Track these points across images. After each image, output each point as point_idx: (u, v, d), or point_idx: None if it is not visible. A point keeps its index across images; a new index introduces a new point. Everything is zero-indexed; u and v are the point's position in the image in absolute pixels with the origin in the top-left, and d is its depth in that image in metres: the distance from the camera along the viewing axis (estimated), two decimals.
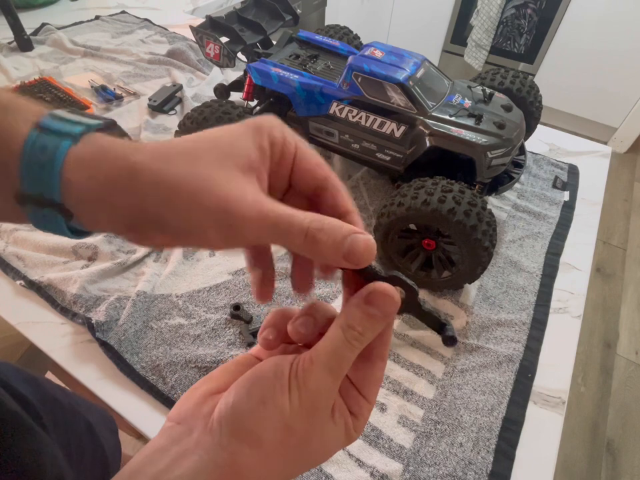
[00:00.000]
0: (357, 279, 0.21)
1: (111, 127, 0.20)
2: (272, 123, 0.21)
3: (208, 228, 0.18)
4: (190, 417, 0.19)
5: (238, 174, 0.19)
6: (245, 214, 0.18)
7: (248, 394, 0.19)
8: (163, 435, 0.19)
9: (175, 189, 0.18)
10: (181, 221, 0.18)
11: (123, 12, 1.25)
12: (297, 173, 0.21)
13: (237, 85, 0.78)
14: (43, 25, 1.13)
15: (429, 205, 0.49)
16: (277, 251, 0.63)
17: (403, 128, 0.60)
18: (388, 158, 0.64)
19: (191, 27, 0.69)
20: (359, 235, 0.18)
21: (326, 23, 1.96)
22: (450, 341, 0.21)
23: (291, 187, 0.22)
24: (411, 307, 0.21)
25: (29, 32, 1.04)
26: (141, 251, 0.61)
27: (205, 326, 0.54)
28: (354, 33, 0.86)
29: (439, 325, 0.22)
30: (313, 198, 0.22)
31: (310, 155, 0.22)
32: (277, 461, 0.19)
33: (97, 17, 1.21)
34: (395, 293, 0.19)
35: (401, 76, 0.57)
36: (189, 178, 0.18)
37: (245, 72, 0.71)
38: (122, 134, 0.20)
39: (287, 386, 0.19)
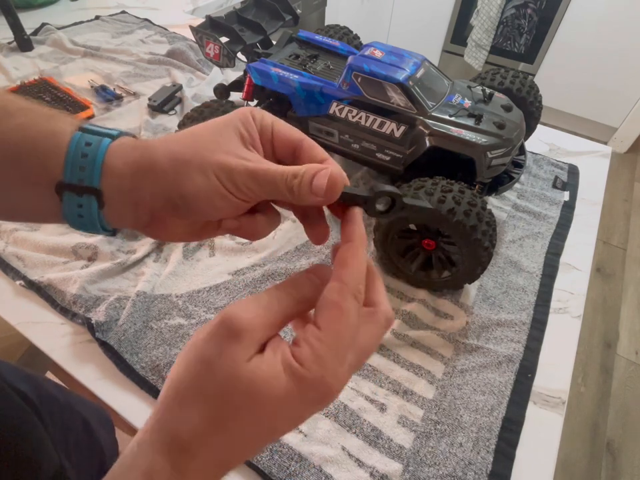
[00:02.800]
0: (345, 209, 0.24)
1: (134, 136, 0.25)
2: (251, 108, 0.25)
3: (213, 194, 0.22)
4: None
5: (235, 139, 0.23)
6: (235, 168, 0.22)
7: (185, 366, 0.19)
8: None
9: (184, 160, 0.22)
10: (194, 186, 0.22)
11: (123, 12, 1.25)
12: (277, 141, 0.24)
13: (236, 85, 0.78)
14: (43, 25, 1.13)
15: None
16: (277, 250, 0.63)
17: (402, 128, 0.60)
18: (388, 158, 0.64)
19: (191, 27, 0.69)
20: (320, 172, 0.21)
21: (326, 23, 1.96)
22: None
23: (279, 161, 0.25)
24: (399, 209, 0.24)
25: (28, 32, 1.04)
26: (141, 250, 0.61)
27: None
28: (354, 32, 0.86)
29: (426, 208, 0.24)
30: (295, 162, 0.25)
31: (285, 125, 0.25)
32: (215, 424, 0.18)
33: (97, 17, 1.21)
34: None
35: (400, 76, 0.57)
36: (192, 150, 0.22)
37: (245, 72, 0.71)
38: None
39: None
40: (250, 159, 0.22)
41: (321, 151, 0.24)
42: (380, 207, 0.24)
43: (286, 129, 0.25)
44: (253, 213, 0.25)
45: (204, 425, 0.18)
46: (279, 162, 0.25)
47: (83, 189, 0.22)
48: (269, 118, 0.24)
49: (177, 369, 0.19)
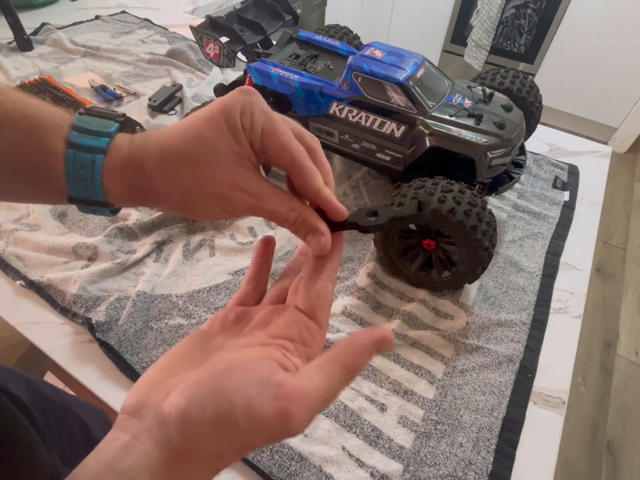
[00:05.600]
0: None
1: (124, 124, 0.24)
2: (241, 106, 0.22)
3: (216, 215, 0.23)
4: (140, 406, 0.19)
5: (231, 167, 0.22)
6: (240, 207, 0.23)
7: (201, 407, 0.18)
8: (115, 427, 0.19)
9: (183, 193, 0.23)
10: (194, 212, 0.23)
11: (123, 12, 1.25)
12: (267, 154, 0.23)
13: (236, 85, 0.78)
14: (43, 24, 1.13)
15: (429, 205, 0.49)
16: (278, 250, 0.63)
17: (403, 128, 0.60)
18: (388, 158, 0.64)
19: (191, 27, 0.69)
20: (313, 238, 0.23)
21: (326, 23, 1.96)
22: (424, 209, 0.24)
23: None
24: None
25: (28, 32, 1.04)
26: (141, 251, 0.61)
27: None
28: (354, 32, 0.86)
29: (412, 212, 0.25)
30: (288, 173, 0.24)
31: (277, 135, 0.22)
32: (228, 452, 0.18)
33: (97, 17, 1.21)
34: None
35: (401, 76, 0.57)
36: (193, 182, 0.22)
37: (245, 72, 0.71)
38: (134, 125, 0.25)
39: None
40: (250, 190, 0.23)
41: (312, 180, 0.23)
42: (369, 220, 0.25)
43: (277, 145, 0.22)
44: None
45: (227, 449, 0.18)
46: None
47: (92, 202, 0.23)
48: (258, 124, 0.22)
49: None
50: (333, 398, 0.19)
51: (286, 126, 0.23)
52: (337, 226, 0.25)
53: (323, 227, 0.24)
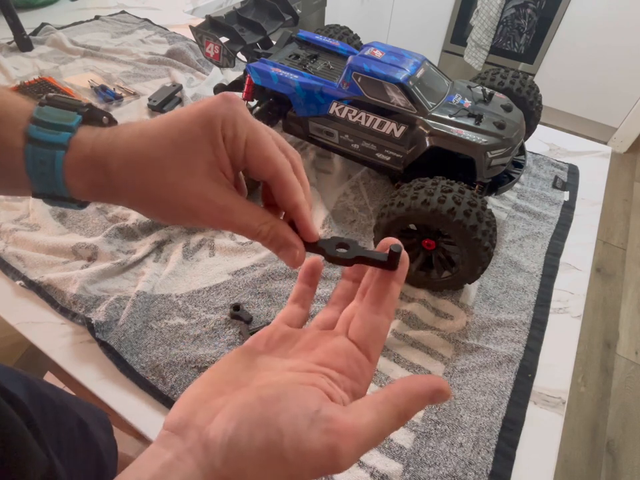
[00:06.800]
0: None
1: (91, 115, 0.23)
2: (223, 115, 0.21)
3: (183, 223, 0.23)
4: (184, 426, 0.19)
5: (202, 178, 0.22)
6: (212, 221, 0.22)
7: (250, 434, 0.17)
8: (158, 442, 0.19)
9: (146, 200, 0.22)
10: (157, 218, 0.23)
11: (123, 12, 1.25)
12: (250, 166, 0.23)
13: (236, 85, 0.78)
14: (43, 25, 1.13)
15: (429, 205, 0.49)
16: None
17: (402, 128, 0.60)
18: (388, 158, 0.64)
19: (191, 27, 0.69)
20: (287, 253, 0.23)
21: (326, 23, 1.96)
22: (393, 260, 0.22)
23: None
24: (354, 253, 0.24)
25: (28, 32, 1.04)
26: (141, 251, 0.61)
27: (204, 326, 0.54)
28: (354, 32, 0.86)
29: (381, 259, 0.23)
30: (268, 184, 0.24)
31: (261, 147, 0.22)
32: None
33: (97, 17, 1.21)
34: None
35: (400, 76, 0.57)
36: (158, 190, 0.22)
37: (245, 72, 0.71)
38: (100, 115, 0.24)
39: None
40: (218, 203, 0.22)
41: (292, 194, 0.23)
42: (338, 251, 0.24)
43: (260, 158, 0.22)
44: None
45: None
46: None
47: (57, 197, 0.23)
48: (242, 134, 0.21)
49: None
50: (381, 439, 0.18)
51: (270, 137, 0.22)
52: (305, 245, 0.24)
53: (296, 240, 0.23)
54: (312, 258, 0.27)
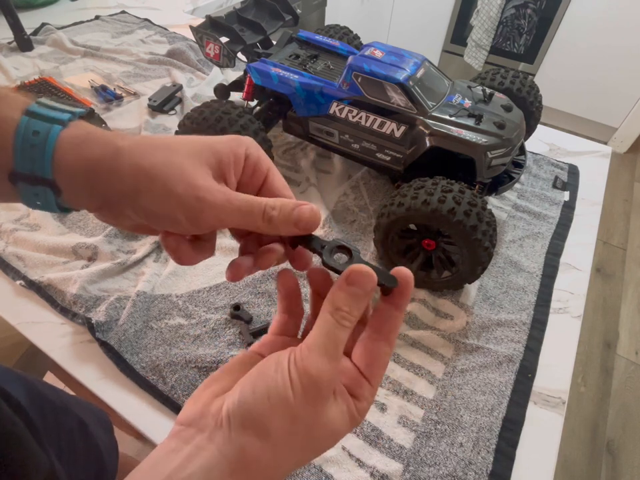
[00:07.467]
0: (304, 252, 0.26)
1: (91, 115, 0.23)
2: (251, 140, 0.24)
3: (178, 212, 0.21)
4: (199, 417, 0.20)
5: (206, 169, 0.22)
6: (213, 200, 0.21)
7: (253, 390, 0.19)
8: (173, 437, 0.19)
9: (151, 174, 0.21)
10: (154, 203, 0.21)
11: (123, 12, 1.25)
12: (265, 190, 0.25)
13: (237, 85, 0.78)
14: (43, 25, 1.13)
15: (429, 205, 0.49)
16: None
17: (403, 128, 0.60)
18: (388, 158, 0.64)
19: (191, 27, 0.69)
20: (304, 206, 0.23)
21: (326, 23, 1.96)
22: (388, 286, 0.22)
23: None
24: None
25: (28, 32, 1.04)
26: (141, 251, 0.61)
27: (204, 326, 0.54)
28: (354, 32, 0.86)
29: (386, 279, 0.22)
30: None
31: (279, 177, 0.25)
32: (286, 450, 0.19)
33: (97, 17, 1.21)
34: (370, 271, 0.21)
35: (401, 76, 0.57)
36: (164, 166, 0.21)
37: (245, 72, 0.71)
38: (99, 122, 0.24)
39: (288, 377, 0.19)
40: (219, 189, 0.22)
41: (287, 190, 0.26)
42: (336, 258, 0.24)
43: (279, 185, 0.25)
44: (195, 240, 0.25)
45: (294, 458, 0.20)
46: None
47: (37, 179, 0.21)
48: (264, 165, 0.24)
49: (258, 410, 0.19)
50: (335, 339, 0.20)
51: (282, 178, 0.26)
52: (302, 242, 0.24)
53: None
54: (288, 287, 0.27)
